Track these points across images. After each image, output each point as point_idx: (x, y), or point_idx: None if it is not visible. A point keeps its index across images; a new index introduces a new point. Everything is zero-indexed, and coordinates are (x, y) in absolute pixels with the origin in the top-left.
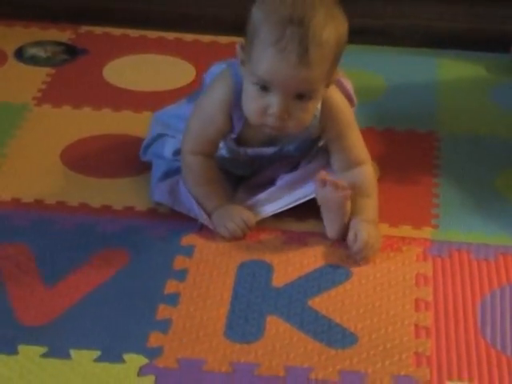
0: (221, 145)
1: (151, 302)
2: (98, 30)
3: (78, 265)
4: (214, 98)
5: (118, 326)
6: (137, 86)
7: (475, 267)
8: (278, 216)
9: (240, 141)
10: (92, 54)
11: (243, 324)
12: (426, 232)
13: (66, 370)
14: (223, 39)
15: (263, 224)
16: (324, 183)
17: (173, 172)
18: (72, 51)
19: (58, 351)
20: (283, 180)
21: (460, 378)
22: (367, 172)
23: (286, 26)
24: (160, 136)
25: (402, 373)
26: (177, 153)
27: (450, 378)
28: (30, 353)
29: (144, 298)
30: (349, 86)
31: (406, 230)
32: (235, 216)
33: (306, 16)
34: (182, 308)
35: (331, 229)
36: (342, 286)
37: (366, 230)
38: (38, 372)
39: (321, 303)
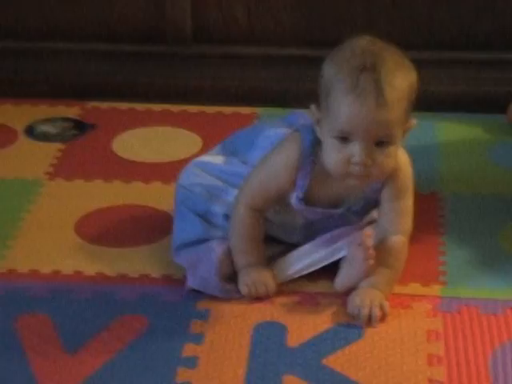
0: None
1: (170, 365)
2: (105, 105)
3: (97, 332)
4: (282, 157)
5: None
6: (146, 158)
7: (484, 322)
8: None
9: (306, 203)
10: (100, 128)
11: None
12: (435, 289)
13: None
14: (227, 109)
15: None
16: (363, 243)
17: (203, 241)
18: (81, 126)
19: None
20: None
21: None
22: (403, 245)
23: (359, 73)
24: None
25: None
26: (227, 217)
27: None
28: None
29: (163, 361)
30: None
31: (415, 288)
32: (259, 281)
33: (377, 63)
34: (200, 370)
35: (342, 282)
36: (355, 343)
37: (363, 294)
38: None
39: (335, 361)
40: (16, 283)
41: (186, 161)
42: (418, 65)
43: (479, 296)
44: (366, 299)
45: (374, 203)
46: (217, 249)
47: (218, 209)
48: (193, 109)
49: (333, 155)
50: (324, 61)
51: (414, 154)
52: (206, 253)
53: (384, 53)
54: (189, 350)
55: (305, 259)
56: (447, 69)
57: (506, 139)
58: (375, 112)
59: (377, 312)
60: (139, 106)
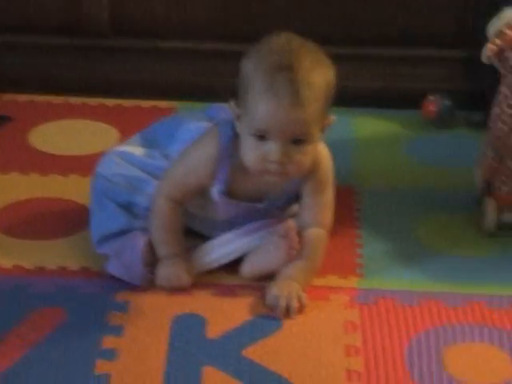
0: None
1: (89, 357)
2: (22, 97)
3: (14, 325)
4: (200, 152)
5: (57, 382)
6: (63, 151)
7: (400, 313)
8: (209, 270)
9: (230, 193)
10: (17, 121)
11: (181, 376)
12: (352, 281)
13: None
14: (145, 103)
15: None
16: (287, 234)
17: (126, 232)
18: None
19: None
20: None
21: None
22: (322, 238)
23: (275, 72)
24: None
25: None
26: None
27: None
28: None
29: (82, 354)
30: None
31: (333, 280)
32: (173, 273)
33: (294, 62)
34: (120, 362)
35: (251, 269)
36: (274, 335)
37: (281, 286)
38: None
39: (255, 352)
40: None
41: (103, 154)
42: (337, 60)
43: (396, 288)
44: (283, 290)
45: (295, 197)
46: (140, 238)
47: (141, 200)
48: (111, 102)
49: (250, 152)
50: (243, 56)
51: (332, 148)
52: (130, 242)
53: (301, 51)
54: (108, 342)
55: (224, 248)
56: (365, 64)
57: (421, 134)
58: (291, 112)
59: (295, 303)
60: (56, 99)
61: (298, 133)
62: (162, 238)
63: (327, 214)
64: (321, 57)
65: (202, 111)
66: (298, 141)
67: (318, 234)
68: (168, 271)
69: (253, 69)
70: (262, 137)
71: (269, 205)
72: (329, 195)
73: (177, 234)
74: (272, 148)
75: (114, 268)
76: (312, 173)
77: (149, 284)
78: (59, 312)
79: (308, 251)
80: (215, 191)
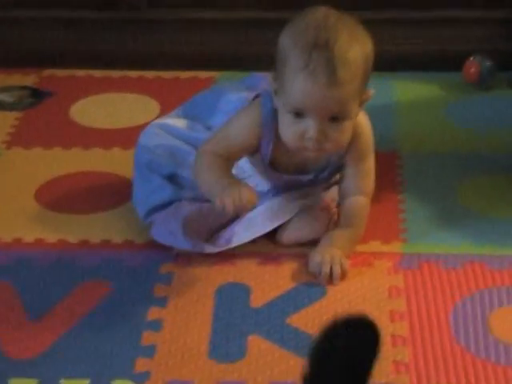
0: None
1: (135, 329)
2: (62, 72)
3: (61, 298)
4: (244, 119)
5: (105, 354)
6: (104, 125)
7: (445, 276)
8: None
9: (274, 167)
10: (57, 95)
11: (226, 344)
12: (396, 246)
13: None
14: (184, 74)
15: (237, 247)
16: (324, 209)
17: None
18: (37, 94)
19: (49, 382)
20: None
21: (438, 383)
22: (365, 205)
23: (312, 50)
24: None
25: (383, 380)
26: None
27: None
28: None
29: (128, 325)
30: None
31: (376, 246)
32: (236, 193)
33: (331, 38)
34: (165, 333)
35: (289, 236)
36: (318, 302)
37: (324, 252)
38: None
39: (299, 320)
40: None
41: (144, 126)
42: (376, 24)
43: (439, 251)
44: (326, 257)
45: (339, 168)
46: (186, 207)
47: (187, 173)
48: (150, 74)
49: (288, 129)
50: (281, 24)
51: (374, 113)
52: (176, 210)
53: (338, 26)
54: (153, 313)
55: (267, 216)
56: (405, 28)
57: (462, 97)
58: (327, 90)
59: (338, 270)
60: (96, 73)
61: (335, 110)
62: (213, 177)
63: (369, 182)
64: (358, 31)
65: (242, 81)
66: (336, 118)
67: (360, 201)
68: (237, 190)
69: (289, 45)
70: (298, 114)
71: (314, 177)
72: (370, 163)
73: (227, 170)
74: (309, 126)
75: (158, 234)
76: (353, 143)
77: (198, 249)
78: (104, 285)
79: (350, 219)
80: (261, 163)
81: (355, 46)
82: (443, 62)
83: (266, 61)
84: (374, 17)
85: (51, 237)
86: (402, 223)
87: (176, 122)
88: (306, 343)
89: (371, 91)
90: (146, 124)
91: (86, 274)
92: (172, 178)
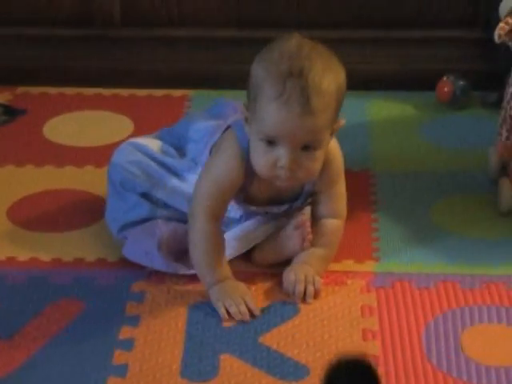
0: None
1: (107, 348)
2: (35, 89)
3: (32, 317)
4: (227, 156)
5: (76, 373)
6: (77, 142)
7: (417, 296)
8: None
9: (248, 199)
10: (31, 113)
11: (198, 363)
12: (368, 265)
13: None
14: (158, 92)
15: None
16: (299, 228)
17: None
18: (11, 112)
19: None
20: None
21: None
22: (338, 228)
23: (286, 79)
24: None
25: None
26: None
27: None
28: None
29: (100, 344)
30: None
31: (349, 265)
32: (236, 296)
33: (305, 67)
34: (137, 352)
35: (264, 257)
36: (291, 321)
37: (298, 270)
38: None
39: (271, 339)
40: None
41: (117, 144)
42: (351, 43)
43: (412, 271)
44: (300, 275)
45: (311, 194)
46: (162, 227)
47: (161, 195)
48: (124, 92)
49: (260, 158)
50: (255, 43)
51: (347, 132)
52: (152, 230)
53: (312, 56)
54: (125, 332)
55: (242, 237)
56: (379, 47)
57: (435, 117)
58: (301, 119)
59: (311, 288)
60: (70, 91)
61: (308, 140)
62: (209, 261)
63: (342, 205)
64: (332, 60)
65: (209, 110)
66: (308, 147)
67: (333, 223)
68: (229, 291)
69: (263, 73)
70: (271, 142)
71: (289, 207)
72: (342, 187)
73: (223, 256)
74: (281, 154)
75: (131, 253)
76: (324, 170)
77: (173, 270)
78: (76, 303)
79: (324, 239)
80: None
81: (329, 76)
82: (417, 82)
83: (241, 79)
84: (348, 36)
85: (23, 255)
86: (375, 242)
87: (149, 142)
88: (278, 363)
89: (343, 120)
90: (120, 142)
91: (58, 292)
92: (146, 197)
